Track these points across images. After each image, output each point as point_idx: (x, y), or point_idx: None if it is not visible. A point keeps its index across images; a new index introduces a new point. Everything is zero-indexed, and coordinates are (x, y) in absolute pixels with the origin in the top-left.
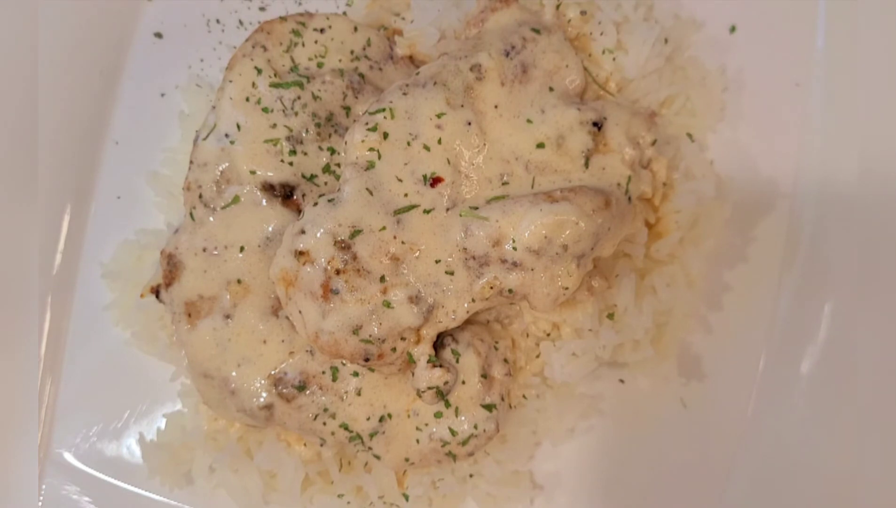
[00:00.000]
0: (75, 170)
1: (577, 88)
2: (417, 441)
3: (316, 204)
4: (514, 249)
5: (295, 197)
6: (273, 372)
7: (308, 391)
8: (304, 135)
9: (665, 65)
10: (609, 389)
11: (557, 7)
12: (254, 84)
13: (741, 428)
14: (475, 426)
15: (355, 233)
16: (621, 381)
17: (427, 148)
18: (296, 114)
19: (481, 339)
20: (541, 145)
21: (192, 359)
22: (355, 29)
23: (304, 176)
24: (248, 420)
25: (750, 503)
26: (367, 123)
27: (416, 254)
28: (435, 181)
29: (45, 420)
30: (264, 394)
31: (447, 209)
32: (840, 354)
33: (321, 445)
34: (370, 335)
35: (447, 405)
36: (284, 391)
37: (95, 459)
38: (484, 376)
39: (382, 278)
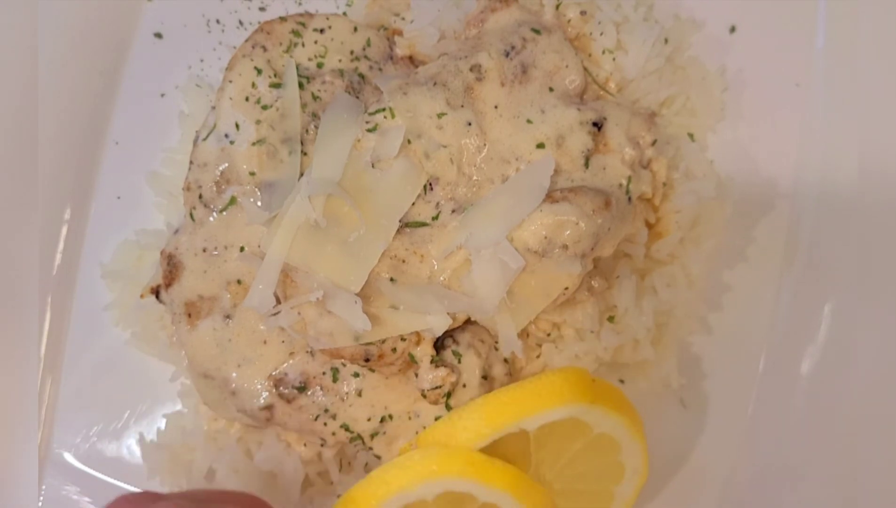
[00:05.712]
0: (75, 170)
1: (577, 88)
2: None
3: None
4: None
5: None
6: (273, 373)
7: (308, 392)
8: (304, 135)
9: (665, 65)
10: None
11: (557, 7)
12: (254, 84)
13: (741, 428)
14: None
15: None
16: (621, 381)
17: None
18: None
19: (482, 340)
20: (541, 145)
21: (192, 359)
22: (355, 29)
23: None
24: (248, 421)
25: (750, 503)
26: (366, 123)
27: (420, 258)
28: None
29: (45, 420)
30: (265, 395)
31: (452, 211)
32: (840, 354)
33: (321, 445)
34: None
35: (448, 406)
36: (285, 391)
37: (95, 459)
38: (485, 377)
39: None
